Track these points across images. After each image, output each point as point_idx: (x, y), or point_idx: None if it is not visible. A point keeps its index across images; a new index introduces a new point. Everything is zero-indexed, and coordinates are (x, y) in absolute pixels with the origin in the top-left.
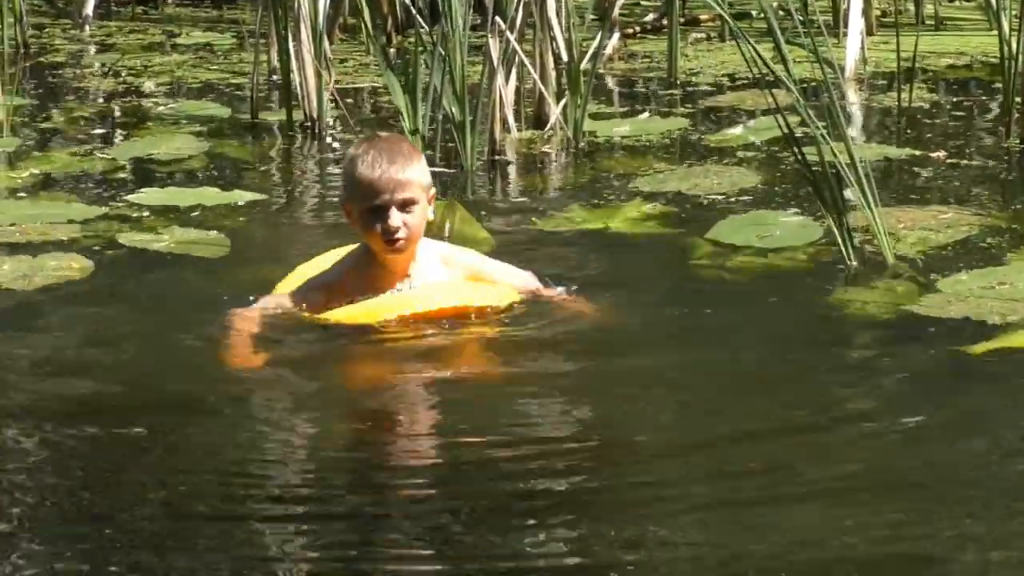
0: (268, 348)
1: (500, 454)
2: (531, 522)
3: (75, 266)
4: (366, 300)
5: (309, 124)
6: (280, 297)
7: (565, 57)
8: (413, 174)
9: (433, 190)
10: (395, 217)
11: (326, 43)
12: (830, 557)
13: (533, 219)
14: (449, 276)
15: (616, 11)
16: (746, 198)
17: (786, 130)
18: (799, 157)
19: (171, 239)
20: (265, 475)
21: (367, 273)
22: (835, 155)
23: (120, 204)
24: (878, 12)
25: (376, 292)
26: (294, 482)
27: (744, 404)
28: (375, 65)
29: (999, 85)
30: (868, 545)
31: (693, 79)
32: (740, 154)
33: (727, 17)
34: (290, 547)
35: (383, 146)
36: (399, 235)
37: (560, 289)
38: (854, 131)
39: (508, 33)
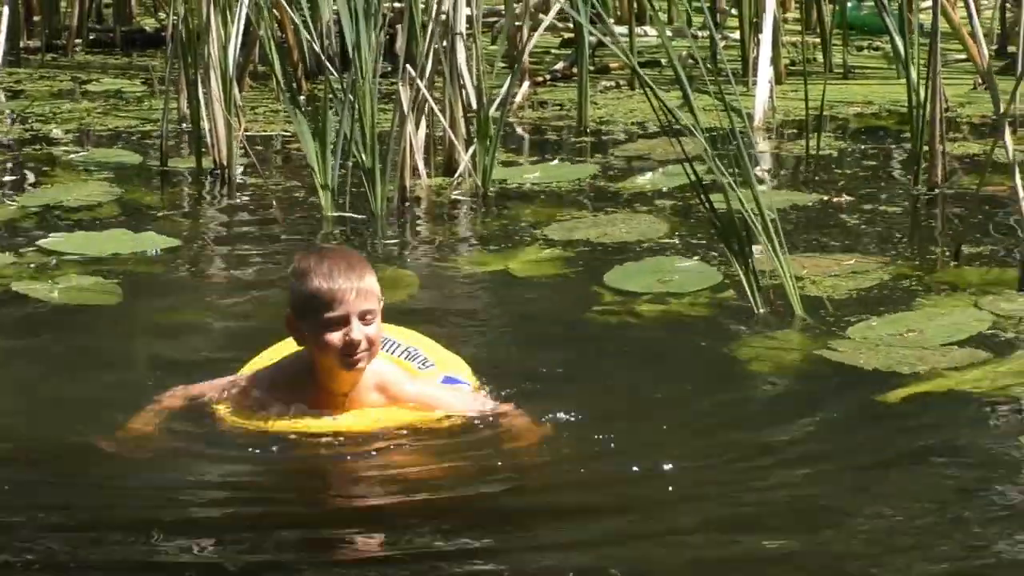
0: (168, 437)
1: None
2: None
3: None
4: (290, 420)
5: (219, 171)
6: (215, 384)
7: (475, 104)
8: (372, 283)
9: (382, 300)
10: (357, 329)
11: (236, 90)
12: None
13: (438, 261)
14: (382, 402)
15: (526, 59)
16: (650, 244)
17: (694, 178)
18: (706, 205)
19: (63, 287)
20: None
21: (303, 386)
22: (742, 203)
23: (29, 250)
24: (787, 61)
25: (308, 406)
26: None
27: (665, 451)
28: (285, 112)
29: (907, 133)
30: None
31: (603, 127)
32: (649, 203)
33: (635, 66)
34: None
35: (336, 256)
36: (362, 349)
37: (506, 407)
38: (762, 179)
39: (418, 81)
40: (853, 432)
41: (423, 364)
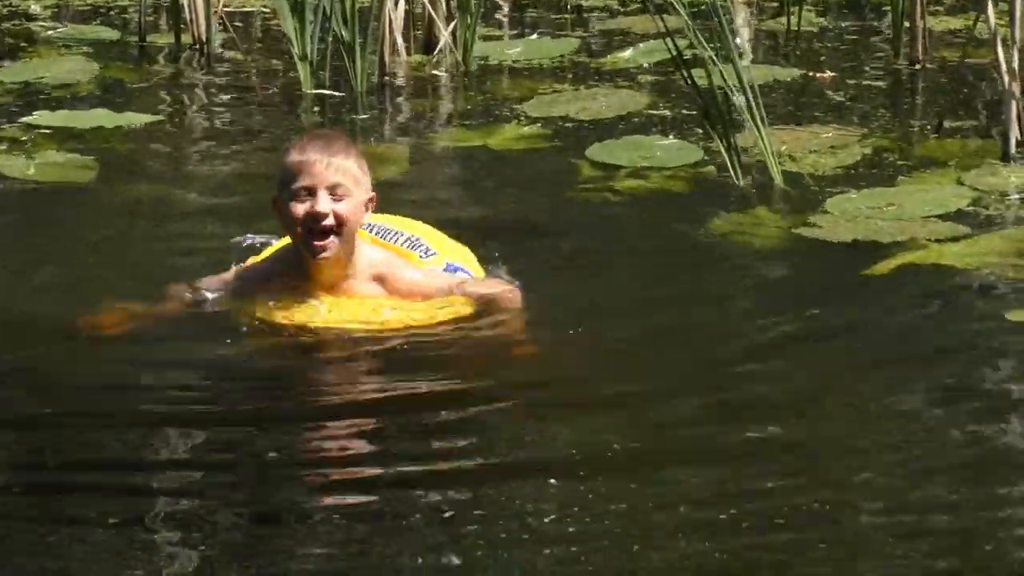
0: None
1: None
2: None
3: None
4: (280, 309)
5: (197, 47)
6: (215, 280)
7: None
8: (348, 163)
9: (373, 197)
10: (324, 201)
11: None
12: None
13: (418, 139)
14: (383, 294)
15: None
16: (631, 120)
17: (675, 52)
18: (688, 80)
19: (39, 163)
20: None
21: (292, 277)
22: (723, 77)
23: (6, 126)
24: None
25: (299, 297)
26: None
27: (644, 330)
28: None
29: (888, 8)
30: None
31: (584, 3)
32: (631, 78)
33: None
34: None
35: (320, 134)
36: (327, 222)
37: (500, 280)
38: (744, 50)
39: None
40: (833, 306)
41: (425, 253)
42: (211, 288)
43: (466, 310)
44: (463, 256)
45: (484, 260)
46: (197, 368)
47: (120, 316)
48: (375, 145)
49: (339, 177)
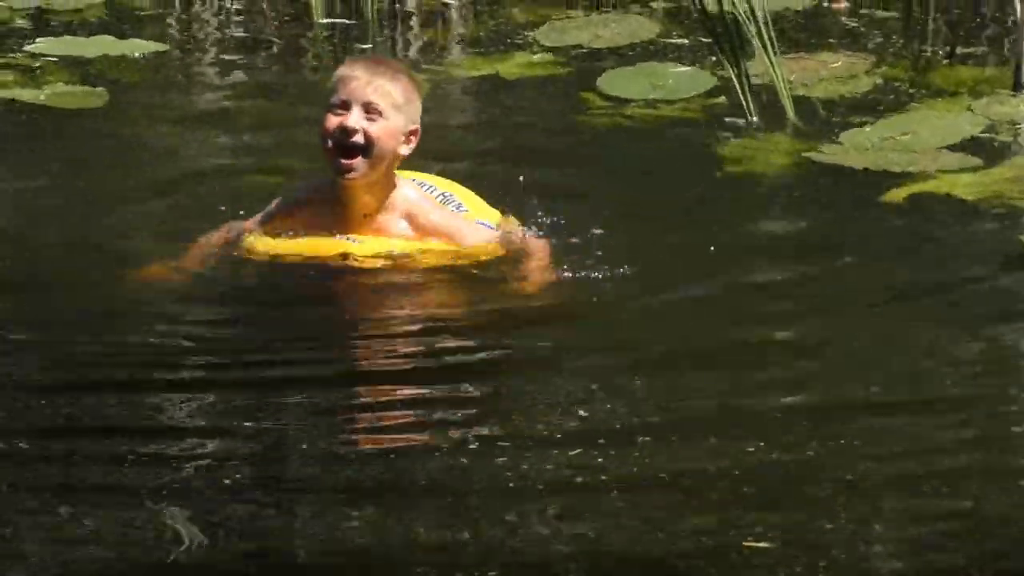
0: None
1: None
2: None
3: None
4: (310, 239)
5: None
6: (240, 223)
7: None
8: (391, 86)
9: (416, 130)
10: (355, 117)
11: None
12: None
13: (430, 67)
14: (410, 233)
15: None
16: (642, 47)
17: None
18: (698, 7)
19: (50, 92)
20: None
21: (325, 206)
22: (735, 4)
23: (17, 55)
24: None
25: (329, 228)
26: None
27: (660, 260)
28: None
29: None
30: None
31: None
32: (642, 3)
33: None
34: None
35: (373, 56)
36: (355, 139)
37: (528, 234)
38: None
39: None
40: (847, 233)
41: (457, 208)
42: (245, 225)
43: (495, 255)
44: (491, 215)
45: (503, 191)
46: (215, 322)
47: (161, 272)
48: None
49: (377, 97)
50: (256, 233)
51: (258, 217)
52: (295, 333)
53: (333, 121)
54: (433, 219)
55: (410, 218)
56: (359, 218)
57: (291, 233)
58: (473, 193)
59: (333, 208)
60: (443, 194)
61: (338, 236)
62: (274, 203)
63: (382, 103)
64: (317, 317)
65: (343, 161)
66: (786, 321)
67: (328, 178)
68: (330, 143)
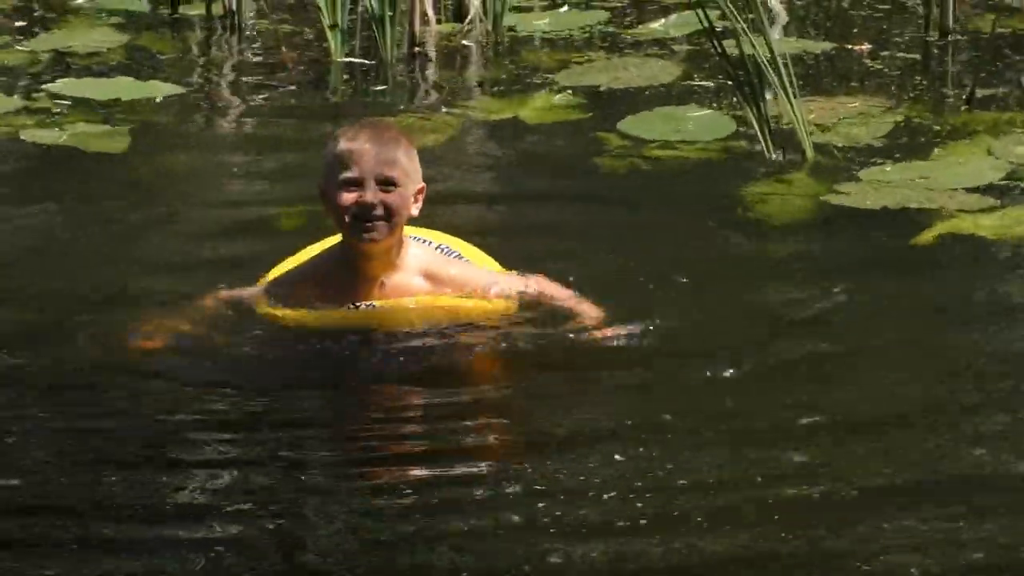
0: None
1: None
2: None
3: None
4: (326, 310)
5: (228, 17)
6: (249, 290)
7: None
8: (399, 155)
9: (422, 188)
10: (372, 191)
11: None
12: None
13: (448, 109)
14: (429, 292)
15: None
16: (662, 90)
17: (706, 23)
18: (718, 50)
19: (71, 132)
20: None
21: (337, 276)
22: (755, 48)
23: (38, 96)
24: None
25: (343, 299)
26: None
27: (681, 302)
28: None
29: None
30: None
31: None
32: (663, 48)
33: None
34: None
35: (371, 124)
36: (375, 212)
37: (567, 293)
38: (777, 14)
39: None
40: (869, 277)
41: (459, 259)
42: (248, 294)
43: (512, 305)
44: (489, 263)
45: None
46: (235, 371)
47: (159, 330)
48: (430, 114)
49: (388, 169)
50: (267, 301)
51: (267, 286)
52: (318, 408)
53: (348, 198)
54: (452, 272)
55: (428, 275)
56: (375, 284)
57: (307, 304)
58: (465, 242)
59: (348, 277)
60: (439, 247)
61: (360, 305)
62: (280, 276)
63: (394, 173)
64: (343, 392)
65: (365, 223)
66: (835, 397)
67: (336, 251)
68: (347, 218)
